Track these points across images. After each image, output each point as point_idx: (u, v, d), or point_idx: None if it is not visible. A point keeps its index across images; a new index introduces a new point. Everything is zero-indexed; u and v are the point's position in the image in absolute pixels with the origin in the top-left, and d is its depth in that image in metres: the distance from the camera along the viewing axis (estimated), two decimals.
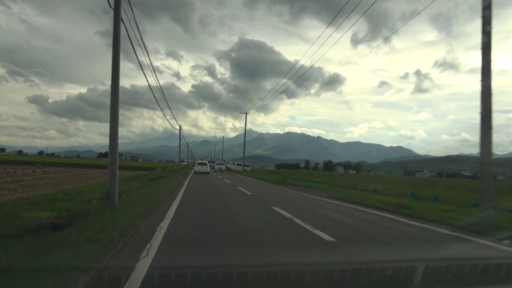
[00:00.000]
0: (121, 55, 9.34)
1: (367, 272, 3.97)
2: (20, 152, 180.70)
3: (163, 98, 29.63)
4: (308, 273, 3.86)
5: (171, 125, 37.92)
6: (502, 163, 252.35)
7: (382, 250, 5.93)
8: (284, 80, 38.54)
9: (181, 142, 63.93)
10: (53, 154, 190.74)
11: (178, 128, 55.40)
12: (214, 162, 65.87)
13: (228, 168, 66.82)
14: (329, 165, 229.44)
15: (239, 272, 3.79)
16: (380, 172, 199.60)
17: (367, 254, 5.40)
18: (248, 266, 4.26)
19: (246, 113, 58.96)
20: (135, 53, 11.60)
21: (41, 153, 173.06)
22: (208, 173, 40.60)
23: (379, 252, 5.77)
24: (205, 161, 47.32)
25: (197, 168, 41.33)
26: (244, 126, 58.71)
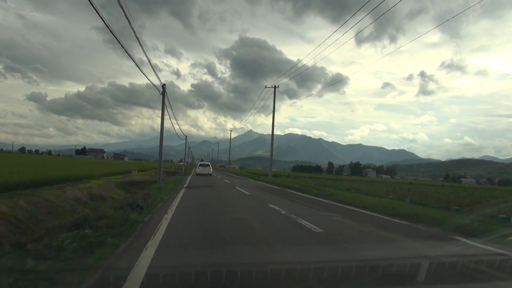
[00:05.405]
0: (120, 53, 6.19)
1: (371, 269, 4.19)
2: None
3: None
4: (312, 270, 3.94)
5: (171, 124, 34.93)
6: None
7: None
8: (284, 80, 30.04)
9: (185, 144, 51.75)
10: (37, 151, 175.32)
11: (180, 132, 46.83)
12: None
13: None
14: (357, 168, 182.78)
15: None
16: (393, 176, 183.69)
17: None
18: None
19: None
20: (144, 52, 15.22)
21: (22, 149, 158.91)
22: (210, 174, 39.62)
23: None
24: (207, 162, 47.37)
25: (198, 169, 41.24)
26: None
